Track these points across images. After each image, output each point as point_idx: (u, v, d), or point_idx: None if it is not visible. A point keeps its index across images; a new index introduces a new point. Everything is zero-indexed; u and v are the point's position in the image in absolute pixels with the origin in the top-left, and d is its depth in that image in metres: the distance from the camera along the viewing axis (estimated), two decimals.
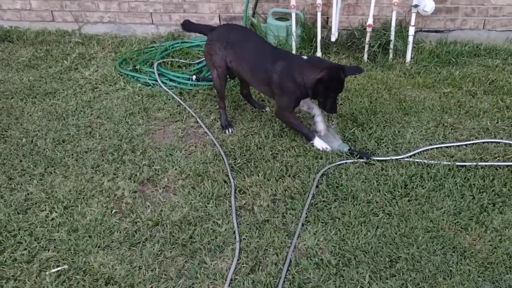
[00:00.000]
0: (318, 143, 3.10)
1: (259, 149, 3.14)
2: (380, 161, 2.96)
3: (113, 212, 2.65)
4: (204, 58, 3.42)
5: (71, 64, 4.34)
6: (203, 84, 3.92)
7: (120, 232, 2.51)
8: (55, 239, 2.48)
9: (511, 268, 2.26)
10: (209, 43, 3.26)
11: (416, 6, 4.06)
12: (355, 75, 3.30)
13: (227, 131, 3.31)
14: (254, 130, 3.35)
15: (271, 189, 2.79)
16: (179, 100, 3.71)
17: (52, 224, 2.57)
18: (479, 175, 2.81)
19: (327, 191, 2.76)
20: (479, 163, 2.90)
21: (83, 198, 2.75)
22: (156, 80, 3.94)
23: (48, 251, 2.42)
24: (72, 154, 3.12)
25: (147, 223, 2.56)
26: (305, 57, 3.12)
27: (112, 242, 2.46)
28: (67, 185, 2.84)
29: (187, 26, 3.60)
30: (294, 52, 4.32)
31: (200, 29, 3.55)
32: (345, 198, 2.72)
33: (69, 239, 2.47)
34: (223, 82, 3.31)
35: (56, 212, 2.64)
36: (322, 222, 2.57)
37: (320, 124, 3.18)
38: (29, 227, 2.56)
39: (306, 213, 2.61)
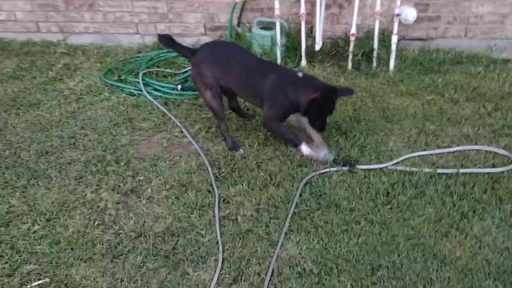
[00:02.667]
0: (305, 149, 3.12)
1: (243, 158, 3.16)
2: (364, 169, 2.99)
3: (96, 224, 2.64)
4: (192, 80, 3.30)
5: (56, 74, 4.33)
6: (189, 94, 3.93)
7: (102, 244, 2.51)
8: (36, 252, 2.47)
9: (490, 275, 2.28)
10: (196, 66, 3.20)
11: (398, 15, 4.12)
12: (346, 96, 3.33)
13: (237, 153, 3.21)
14: (239, 139, 3.36)
15: (255, 199, 2.80)
16: (164, 110, 3.72)
17: (34, 237, 2.56)
18: (460, 182, 2.84)
19: (310, 200, 2.78)
20: (460, 170, 2.94)
21: (66, 210, 2.74)
22: (141, 90, 3.95)
23: (30, 264, 2.41)
24: (55, 166, 3.11)
25: (130, 235, 2.56)
26: (300, 74, 3.11)
27: (95, 254, 2.45)
28: (49, 197, 2.83)
29: (166, 41, 3.39)
30: (279, 61, 4.35)
31: (181, 51, 3.37)
32: (328, 206, 2.73)
33: (51, 252, 2.46)
34: (219, 101, 3.22)
35: (39, 224, 2.63)
36: (305, 231, 2.58)
37: (312, 135, 3.20)
38: (11, 240, 2.54)
39: (289, 222, 2.63)
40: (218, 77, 3.14)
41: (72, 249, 2.48)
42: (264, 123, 3.22)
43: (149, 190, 2.89)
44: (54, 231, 2.59)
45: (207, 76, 3.14)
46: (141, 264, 2.40)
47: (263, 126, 3.30)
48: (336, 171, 3.00)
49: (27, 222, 2.65)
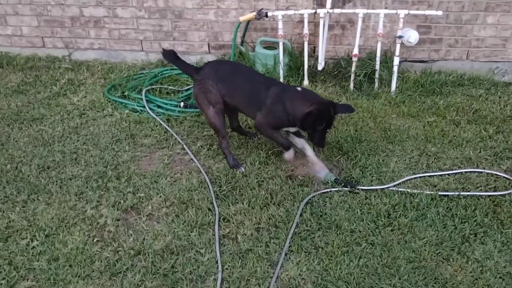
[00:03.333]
0: (288, 155, 3.18)
1: (244, 176, 3.15)
2: (365, 190, 2.98)
3: (95, 240, 2.63)
4: (194, 97, 3.30)
5: (59, 90, 4.36)
6: (191, 111, 3.94)
7: (101, 261, 2.49)
8: (34, 268, 2.45)
9: None
10: (200, 83, 3.21)
11: (400, 37, 4.16)
12: (347, 113, 3.35)
13: (238, 171, 3.22)
14: (241, 157, 3.37)
15: (255, 218, 2.79)
16: (166, 127, 3.73)
17: (33, 253, 2.54)
18: (461, 205, 2.83)
19: (311, 220, 2.76)
20: (462, 193, 2.93)
21: (65, 226, 2.73)
22: (144, 107, 3.97)
23: (27, 280, 2.39)
24: (56, 181, 3.11)
25: (129, 252, 2.54)
26: (299, 89, 3.17)
27: (93, 271, 2.44)
28: (49, 212, 2.82)
29: (171, 57, 3.39)
30: (281, 80, 4.38)
31: (184, 68, 3.38)
32: (328, 227, 2.72)
33: (49, 268, 2.44)
34: (222, 118, 3.22)
35: (37, 240, 2.62)
36: (305, 252, 2.56)
37: (310, 157, 3.20)
38: (9, 256, 2.53)
39: (290, 242, 2.61)
40: (223, 93, 3.17)
41: (70, 266, 2.47)
42: (258, 125, 3.19)
43: (150, 207, 2.88)
44: (53, 247, 2.58)
45: (212, 92, 3.16)
46: (140, 283, 2.38)
47: (255, 127, 3.27)
48: (337, 191, 3.00)
49: (26, 238, 2.64)
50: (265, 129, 3.19)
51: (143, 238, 2.65)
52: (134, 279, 2.39)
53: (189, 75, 3.34)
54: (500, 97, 4.20)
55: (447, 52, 4.56)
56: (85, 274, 2.42)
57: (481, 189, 3.00)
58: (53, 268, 2.44)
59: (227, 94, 3.17)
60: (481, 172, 3.17)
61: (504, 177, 3.11)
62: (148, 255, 2.53)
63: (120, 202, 2.91)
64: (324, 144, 3.14)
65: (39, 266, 2.46)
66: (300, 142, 3.26)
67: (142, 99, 4.03)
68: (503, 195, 2.93)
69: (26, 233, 2.67)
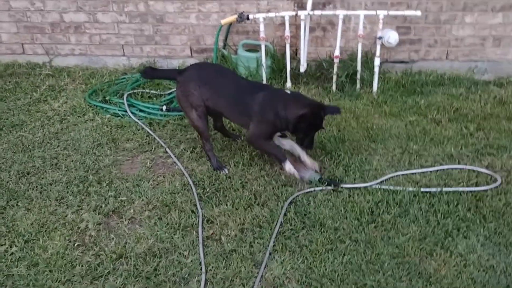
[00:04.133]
0: (288, 167, 3.10)
1: (228, 178, 3.13)
2: (349, 188, 2.99)
3: (75, 245, 2.58)
4: (177, 100, 3.30)
5: (40, 96, 4.31)
6: (173, 115, 3.92)
7: (82, 266, 2.44)
8: (13, 275, 2.39)
9: None
10: (182, 85, 3.19)
11: (380, 38, 4.20)
12: (334, 114, 3.35)
13: (222, 173, 3.19)
14: (224, 159, 3.35)
15: (239, 218, 2.77)
16: (149, 130, 3.70)
17: (11, 259, 2.49)
18: (444, 201, 2.85)
19: (295, 219, 2.75)
20: (444, 189, 2.95)
21: (46, 231, 2.68)
22: (126, 111, 3.93)
23: (6, 287, 2.33)
24: (36, 187, 3.05)
25: (111, 256, 2.50)
26: (288, 92, 3.15)
27: (74, 276, 2.39)
28: (29, 218, 2.77)
29: (150, 73, 3.50)
30: (264, 82, 4.38)
31: (166, 75, 3.42)
32: (312, 225, 2.71)
33: (28, 274, 2.39)
34: (205, 121, 3.20)
35: (16, 246, 2.56)
36: (289, 251, 2.54)
37: (307, 162, 3.17)
38: None
39: (274, 242, 2.59)
40: (206, 97, 3.12)
41: (50, 271, 2.41)
42: (250, 139, 3.16)
43: (131, 211, 2.85)
44: (32, 253, 2.52)
45: (194, 95, 3.13)
46: (122, 286, 2.33)
47: (248, 142, 3.26)
48: (321, 190, 2.99)
49: (5, 244, 2.58)
50: (259, 142, 3.13)
51: (125, 242, 2.61)
52: (116, 282, 2.34)
53: (172, 79, 3.31)
54: (480, 96, 4.25)
55: (426, 52, 4.61)
56: (66, 279, 2.37)
57: (462, 185, 3.02)
58: (33, 274, 2.39)
59: (210, 98, 3.13)
60: (462, 168, 3.19)
61: (485, 172, 3.14)
62: (130, 258, 2.49)
63: (101, 206, 2.86)
64: (313, 146, 3.13)
65: (18, 272, 2.40)
66: (287, 143, 3.25)
67: (123, 103, 3.99)
68: (485, 190, 2.95)
69: (5, 239, 2.61)
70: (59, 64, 4.96)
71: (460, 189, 2.96)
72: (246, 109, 3.08)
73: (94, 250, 2.55)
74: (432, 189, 2.95)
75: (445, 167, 3.20)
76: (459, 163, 3.26)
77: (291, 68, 4.42)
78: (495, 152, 3.38)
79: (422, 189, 2.94)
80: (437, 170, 3.18)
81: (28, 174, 3.19)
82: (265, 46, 4.38)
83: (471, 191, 2.95)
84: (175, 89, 4.20)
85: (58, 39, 4.89)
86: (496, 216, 2.74)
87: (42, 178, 3.14)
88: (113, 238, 2.63)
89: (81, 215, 2.80)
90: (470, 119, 3.86)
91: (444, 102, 4.14)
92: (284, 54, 4.42)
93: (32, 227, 2.70)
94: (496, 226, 2.66)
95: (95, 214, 2.80)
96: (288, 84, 4.41)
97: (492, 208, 2.80)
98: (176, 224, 2.73)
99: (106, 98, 4.13)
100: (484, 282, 2.31)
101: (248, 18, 4.30)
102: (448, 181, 3.06)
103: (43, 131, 3.72)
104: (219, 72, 3.30)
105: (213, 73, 3.25)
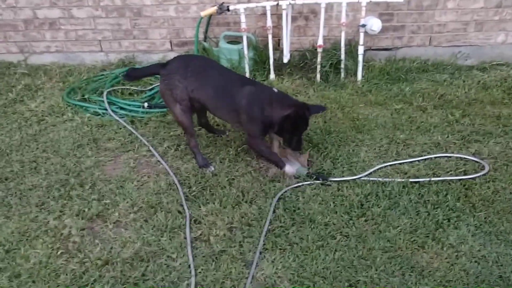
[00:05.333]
0: (289, 169, 3.04)
1: (214, 175, 3.07)
2: (337, 181, 2.95)
3: (59, 253, 2.49)
4: (161, 94, 3.19)
5: (16, 96, 4.16)
6: (156, 111, 3.82)
7: (66, 275, 2.36)
8: None
9: (469, 285, 2.25)
10: (166, 78, 3.06)
11: (363, 25, 4.14)
12: (319, 113, 3.27)
13: (208, 170, 3.11)
14: (209, 156, 3.28)
15: (228, 217, 2.71)
16: (131, 129, 3.60)
17: None
18: (433, 191, 2.83)
19: (284, 216, 2.71)
20: (432, 179, 2.93)
21: (27, 239, 2.58)
22: (106, 109, 3.82)
23: None
24: (16, 193, 2.95)
25: (96, 263, 2.42)
26: (275, 90, 3.05)
27: (58, 286, 2.31)
28: (9, 226, 2.67)
29: (133, 74, 3.40)
30: (247, 75, 4.30)
31: (150, 71, 3.34)
32: (302, 222, 2.67)
33: (10, 286, 2.30)
34: (189, 115, 3.10)
35: None
36: (280, 249, 2.50)
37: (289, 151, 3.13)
38: None
39: (264, 240, 2.54)
40: (191, 88, 3.01)
41: (34, 281, 2.33)
42: (249, 142, 3.11)
43: (116, 214, 2.76)
44: (14, 263, 2.43)
45: (178, 87, 3.01)
46: None
47: (248, 146, 3.18)
48: (309, 184, 2.95)
49: None
50: (258, 143, 3.05)
51: (110, 247, 2.53)
52: None
53: (156, 74, 3.18)
54: (464, 81, 4.25)
55: (410, 38, 4.58)
56: None
57: (451, 174, 3.01)
58: (15, 286, 2.30)
59: (196, 88, 3.01)
60: (450, 157, 3.18)
61: (473, 160, 3.13)
62: (117, 264, 2.42)
63: (84, 211, 2.77)
64: (301, 147, 3.05)
65: None
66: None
67: (103, 101, 3.88)
68: (473, 179, 2.94)
69: None
70: (35, 62, 4.79)
71: (449, 178, 2.95)
72: (231, 103, 2.98)
73: (79, 257, 2.47)
74: (421, 180, 2.93)
75: (433, 156, 3.18)
76: (446, 151, 3.24)
77: (274, 59, 4.34)
78: (481, 138, 3.38)
79: (411, 180, 2.91)
80: (425, 160, 3.15)
81: (6, 179, 3.07)
82: (247, 37, 4.28)
83: (459, 180, 2.93)
84: (157, 84, 4.15)
85: (32, 36, 4.72)
86: (485, 205, 2.73)
87: (21, 184, 3.02)
88: (98, 244, 2.55)
89: (64, 221, 2.70)
90: (455, 105, 3.86)
91: (428, 88, 4.12)
92: (266, 45, 4.34)
93: (13, 235, 2.60)
94: (486, 215, 2.66)
95: (78, 219, 2.71)
96: (272, 75, 4.33)
97: (481, 196, 2.80)
98: (163, 226, 2.66)
99: (85, 97, 4.00)
100: (476, 273, 2.31)
101: (228, 9, 4.20)
102: (437, 170, 3.04)
103: (20, 133, 3.59)
104: (204, 63, 3.19)
105: (198, 65, 3.13)
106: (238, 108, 2.97)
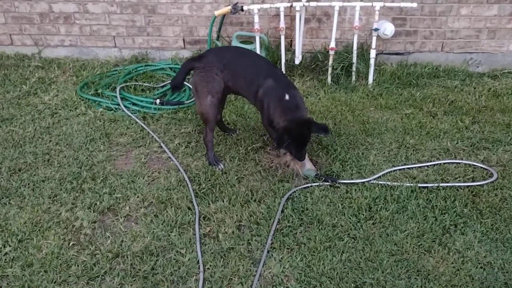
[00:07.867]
0: (307, 164, 3.08)
1: (224, 173, 3.10)
2: (346, 184, 2.97)
3: (70, 244, 2.54)
4: (193, 85, 3.15)
5: (30, 88, 4.21)
6: (167, 108, 3.86)
7: (78, 266, 2.40)
8: (8, 275, 2.35)
9: None
10: (203, 70, 3.07)
11: (376, 29, 4.16)
12: (321, 134, 3.19)
13: (218, 168, 3.14)
14: (220, 154, 3.31)
15: (236, 215, 2.75)
16: (142, 125, 3.64)
17: (5, 259, 2.44)
18: (441, 196, 2.85)
19: (292, 216, 2.73)
20: (441, 184, 2.94)
21: (39, 230, 2.63)
22: (119, 104, 3.87)
23: None
24: (29, 184, 2.99)
25: (107, 255, 2.46)
26: (292, 92, 2.98)
27: (69, 276, 2.35)
28: (22, 216, 2.71)
29: (177, 84, 3.30)
30: None
31: (186, 70, 3.23)
32: (310, 222, 2.70)
33: (23, 275, 2.35)
34: (216, 109, 3.13)
35: (10, 246, 2.51)
36: (287, 248, 2.53)
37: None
38: None
39: (272, 239, 2.57)
40: (227, 79, 3.07)
41: (45, 271, 2.37)
42: (264, 124, 3.14)
43: (127, 208, 2.80)
44: (26, 253, 2.48)
45: (216, 80, 3.05)
46: (119, 286, 2.31)
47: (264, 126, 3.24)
48: (318, 186, 2.97)
49: None
50: (269, 131, 3.11)
51: (121, 240, 2.57)
52: (113, 282, 2.32)
53: (191, 71, 3.17)
54: (475, 88, 4.25)
55: (422, 44, 4.58)
56: (61, 280, 2.33)
57: (459, 180, 3.02)
58: (28, 275, 2.35)
59: (231, 79, 3.07)
60: (459, 163, 3.19)
61: (481, 167, 3.14)
62: (127, 257, 2.46)
63: (96, 204, 2.82)
64: (302, 158, 3.00)
65: (12, 273, 2.36)
66: None
67: (116, 96, 3.92)
68: (481, 185, 2.95)
69: None
70: (49, 56, 4.85)
71: (457, 184, 2.96)
72: (256, 91, 3.01)
73: (90, 249, 2.51)
74: (430, 185, 2.95)
75: (442, 161, 3.20)
76: (455, 158, 3.26)
77: (286, 60, 4.36)
78: (490, 146, 3.39)
79: (419, 185, 2.93)
80: (434, 165, 3.17)
81: (19, 170, 3.13)
82: (260, 37, 4.31)
83: (467, 186, 2.95)
84: (168, 81, 4.19)
85: (47, 30, 4.78)
86: (492, 212, 2.75)
87: (34, 175, 3.07)
88: (108, 237, 2.60)
89: (76, 213, 2.75)
90: (465, 111, 3.86)
91: (439, 94, 4.13)
92: (278, 45, 4.36)
93: (26, 226, 2.65)
94: (493, 222, 2.67)
95: (90, 212, 2.76)
96: None
97: (488, 203, 2.81)
98: (172, 222, 2.70)
99: (98, 91, 4.05)
100: (482, 279, 2.32)
101: (242, 9, 4.23)
102: (445, 176, 3.05)
103: (34, 125, 3.64)
104: (237, 54, 3.23)
105: (232, 56, 3.19)
106: (256, 96, 3.02)
